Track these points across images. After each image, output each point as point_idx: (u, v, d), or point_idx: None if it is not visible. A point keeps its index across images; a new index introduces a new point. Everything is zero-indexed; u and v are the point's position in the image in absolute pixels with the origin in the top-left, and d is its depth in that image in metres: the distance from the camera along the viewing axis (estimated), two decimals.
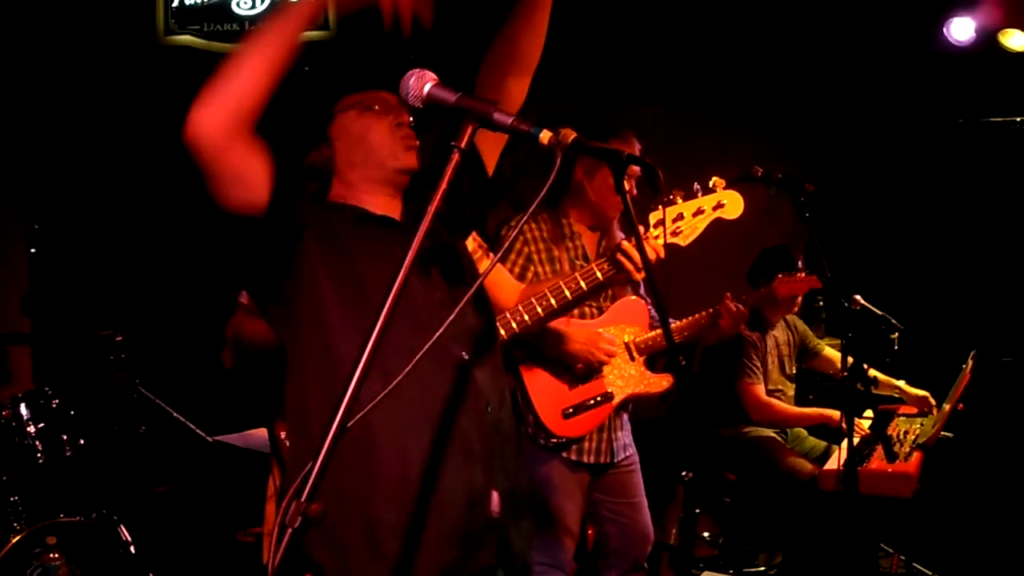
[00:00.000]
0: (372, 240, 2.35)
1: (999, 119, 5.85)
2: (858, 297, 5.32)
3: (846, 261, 5.62)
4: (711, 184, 3.80)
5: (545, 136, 1.87)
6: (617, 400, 4.10)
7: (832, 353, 5.65)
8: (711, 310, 4.34)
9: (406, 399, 2.12)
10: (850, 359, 4.00)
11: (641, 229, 3.72)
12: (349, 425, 1.63)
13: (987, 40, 5.69)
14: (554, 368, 4.00)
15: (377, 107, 2.53)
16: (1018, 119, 5.76)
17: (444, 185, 1.82)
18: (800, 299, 5.37)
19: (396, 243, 2.16)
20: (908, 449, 4.73)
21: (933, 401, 5.33)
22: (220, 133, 2.05)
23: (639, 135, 4.85)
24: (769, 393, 5.36)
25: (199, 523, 4.79)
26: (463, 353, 2.31)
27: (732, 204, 3.79)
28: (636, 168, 3.18)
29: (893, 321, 5.34)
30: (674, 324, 4.41)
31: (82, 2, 5.68)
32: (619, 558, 4.35)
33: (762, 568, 5.67)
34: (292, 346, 2.29)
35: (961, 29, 5.73)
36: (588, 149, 3.39)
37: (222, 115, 2.06)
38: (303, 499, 1.55)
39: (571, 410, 4.02)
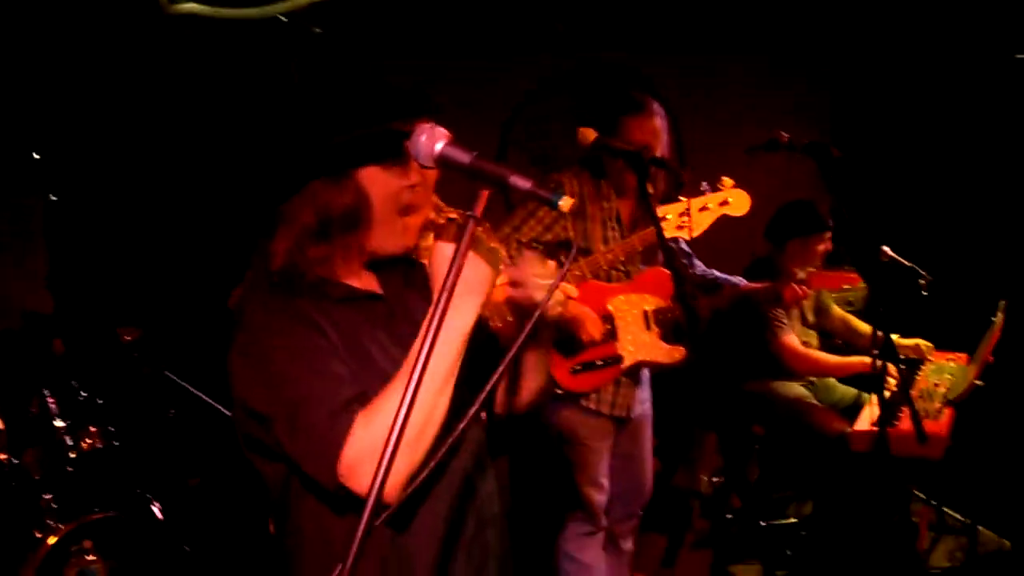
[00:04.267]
0: (366, 324, 2.15)
1: None
2: (886, 248, 5.24)
3: (872, 211, 5.53)
4: (718, 183, 3.98)
5: (566, 203, 1.75)
6: (625, 364, 4.23)
7: (840, 313, 5.58)
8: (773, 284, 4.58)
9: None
10: (879, 334, 3.94)
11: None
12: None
13: None
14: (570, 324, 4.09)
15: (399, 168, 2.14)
16: None
17: (461, 260, 1.69)
18: (822, 255, 5.31)
19: (384, 321, 2.16)
20: (938, 405, 4.67)
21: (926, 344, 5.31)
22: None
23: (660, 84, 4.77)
24: None
25: (232, 515, 4.79)
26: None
27: (738, 202, 3.98)
28: None
29: (922, 272, 5.25)
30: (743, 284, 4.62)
31: None
32: (616, 506, 4.58)
33: (793, 520, 5.69)
34: None
35: None
36: (610, 150, 3.40)
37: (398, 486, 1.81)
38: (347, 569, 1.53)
39: (579, 367, 4.16)
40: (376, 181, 2.10)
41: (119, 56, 5.73)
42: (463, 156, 1.76)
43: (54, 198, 5.69)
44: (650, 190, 3.18)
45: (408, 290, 2.27)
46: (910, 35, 6.44)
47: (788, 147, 3.93)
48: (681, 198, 3.83)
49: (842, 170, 3.88)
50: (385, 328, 2.16)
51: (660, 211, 3.81)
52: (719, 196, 3.95)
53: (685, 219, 3.81)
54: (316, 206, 2.07)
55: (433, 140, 1.78)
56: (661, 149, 4.25)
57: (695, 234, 3.89)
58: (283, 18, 5.67)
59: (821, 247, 5.25)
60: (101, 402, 4.54)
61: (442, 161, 1.79)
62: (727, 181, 4.05)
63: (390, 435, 1.57)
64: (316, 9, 5.68)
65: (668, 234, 3.76)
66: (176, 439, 4.66)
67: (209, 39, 5.69)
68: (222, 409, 4.75)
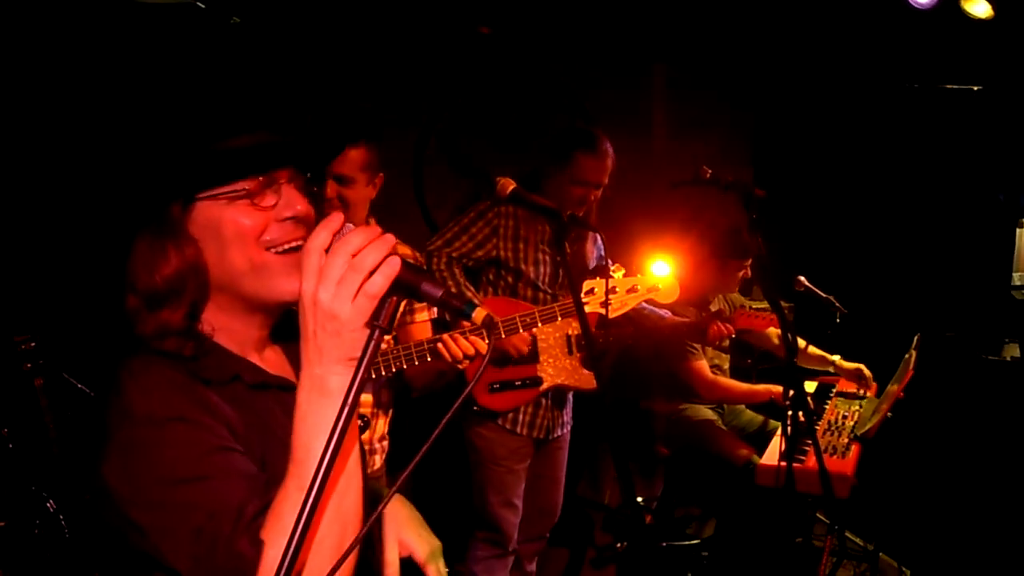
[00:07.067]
0: (277, 411, 1.81)
1: (956, 86, 5.67)
2: (802, 278, 5.23)
3: (791, 243, 5.52)
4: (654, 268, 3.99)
5: (479, 315, 1.63)
6: (544, 387, 4.28)
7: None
8: (702, 316, 4.76)
9: None
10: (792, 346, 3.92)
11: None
12: None
13: (949, 3, 5.43)
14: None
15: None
16: (975, 87, 5.57)
17: (362, 372, 1.51)
18: (740, 280, 5.29)
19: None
20: (846, 440, 4.68)
21: (868, 373, 5.28)
22: None
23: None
24: None
25: None
26: None
27: (667, 290, 3.94)
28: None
29: (836, 303, 5.25)
30: (668, 317, 4.78)
31: None
32: (525, 527, 4.60)
33: (695, 541, 5.68)
34: None
35: None
36: (528, 204, 3.29)
37: None
38: None
39: (497, 385, 4.22)
40: (214, 219, 1.68)
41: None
42: None
43: None
44: (568, 249, 3.10)
45: None
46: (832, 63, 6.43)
47: (712, 183, 3.88)
48: (619, 273, 3.82)
49: (764, 207, 3.86)
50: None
51: (587, 284, 3.79)
52: (650, 281, 3.91)
53: (610, 297, 3.78)
54: (141, 274, 1.68)
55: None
56: (604, 187, 4.29)
57: (615, 314, 3.88)
58: (201, 4, 5.47)
59: (740, 273, 5.22)
60: None
61: None
62: (662, 267, 4.06)
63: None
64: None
65: (589, 309, 3.74)
66: (73, 446, 4.48)
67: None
68: None
